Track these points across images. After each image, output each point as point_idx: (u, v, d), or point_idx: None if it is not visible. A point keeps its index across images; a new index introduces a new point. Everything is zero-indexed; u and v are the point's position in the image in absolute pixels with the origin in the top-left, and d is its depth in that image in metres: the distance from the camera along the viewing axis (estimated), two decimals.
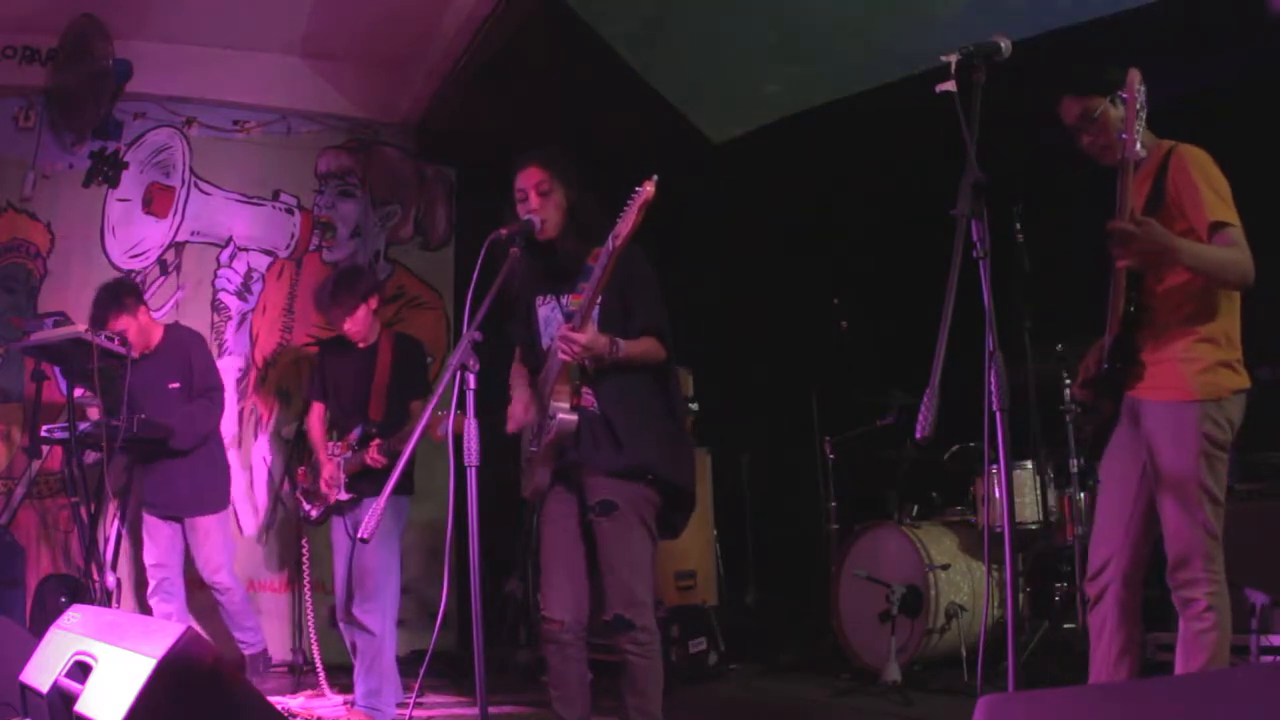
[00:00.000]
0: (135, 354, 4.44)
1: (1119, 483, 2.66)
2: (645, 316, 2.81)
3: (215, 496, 4.57)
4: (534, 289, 2.95)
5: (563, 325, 2.71)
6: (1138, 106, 2.42)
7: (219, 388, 4.60)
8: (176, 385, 4.49)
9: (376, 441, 3.85)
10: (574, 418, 2.74)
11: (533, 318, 2.97)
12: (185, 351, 4.56)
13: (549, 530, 2.88)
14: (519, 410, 2.98)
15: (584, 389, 2.77)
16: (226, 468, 4.69)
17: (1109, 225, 2.41)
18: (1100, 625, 2.62)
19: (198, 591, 4.65)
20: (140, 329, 4.48)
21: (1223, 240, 2.47)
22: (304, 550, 4.49)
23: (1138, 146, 2.43)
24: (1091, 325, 2.78)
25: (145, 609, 4.69)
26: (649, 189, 2.48)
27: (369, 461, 3.85)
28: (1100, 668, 2.61)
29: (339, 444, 4.03)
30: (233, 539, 4.71)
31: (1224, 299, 2.56)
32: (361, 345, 4.12)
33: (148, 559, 4.53)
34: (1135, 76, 2.42)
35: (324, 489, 4.03)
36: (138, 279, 5.51)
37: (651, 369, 2.83)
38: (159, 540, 4.50)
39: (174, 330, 4.68)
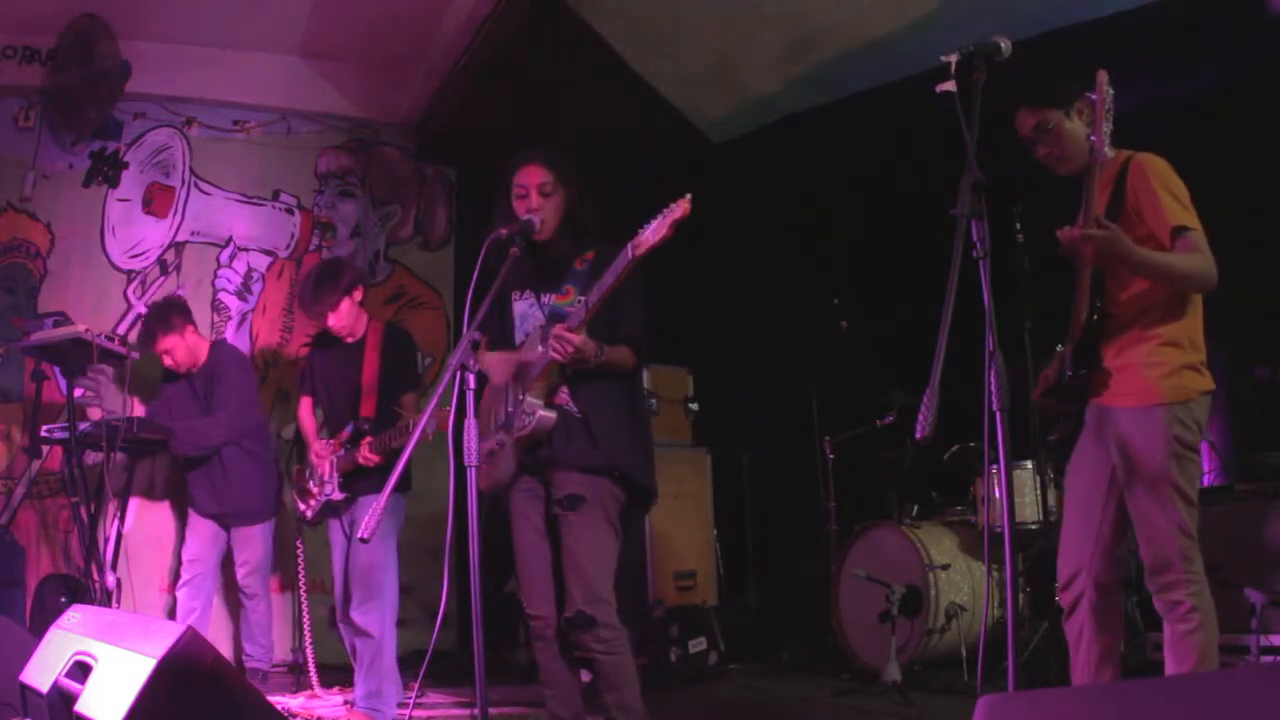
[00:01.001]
0: (183, 370, 4.57)
1: (1087, 490, 2.66)
2: (629, 327, 2.86)
3: (261, 507, 4.61)
4: (513, 283, 2.96)
5: (559, 325, 2.72)
6: (1106, 108, 2.41)
7: (233, 405, 4.49)
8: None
9: (368, 440, 3.77)
10: (553, 415, 2.79)
11: (508, 311, 2.99)
12: (214, 367, 4.57)
13: (521, 526, 2.90)
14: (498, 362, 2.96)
15: (560, 387, 2.81)
16: (275, 475, 4.70)
17: (1075, 234, 2.41)
18: (1077, 635, 2.62)
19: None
20: (188, 348, 4.54)
21: (1185, 245, 2.47)
22: (299, 550, 4.49)
23: (1105, 148, 2.42)
24: None
25: (152, 608, 4.71)
26: (684, 207, 2.44)
27: (361, 460, 3.77)
28: (1082, 676, 2.60)
29: (331, 442, 3.96)
30: (273, 548, 4.72)
31: (1186, 302, 2.56)
32: (349, 340, 4.02)
33: (185, 553, 4.58)
34: (1103, 77, 2.42)
35: (316, 464, 3.96)
36: (136, 279, 5.52)
37: (623, 373, 2.89)
38: (201, 536, 4.56)
39: (217, 347, 4.71)
